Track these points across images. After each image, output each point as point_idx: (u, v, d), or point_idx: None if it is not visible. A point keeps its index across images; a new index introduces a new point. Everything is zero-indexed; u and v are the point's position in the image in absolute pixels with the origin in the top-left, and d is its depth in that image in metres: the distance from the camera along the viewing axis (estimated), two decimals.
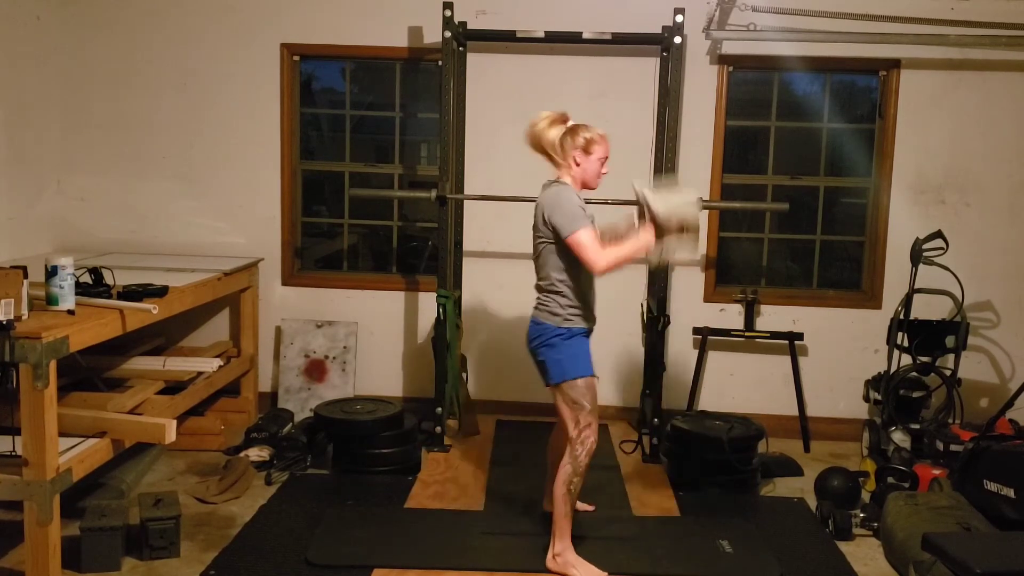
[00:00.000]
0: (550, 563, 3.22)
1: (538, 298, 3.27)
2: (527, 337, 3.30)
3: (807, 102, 5.08)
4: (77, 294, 3.18)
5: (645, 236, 3.08)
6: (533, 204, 3.29)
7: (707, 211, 4.85)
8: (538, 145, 3.25)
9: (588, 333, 3.26)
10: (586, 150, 3.18)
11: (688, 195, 3.14)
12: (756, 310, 4.96)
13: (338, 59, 5.12)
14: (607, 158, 3.24)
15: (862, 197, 5.08)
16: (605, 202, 4.65)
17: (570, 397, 3.16)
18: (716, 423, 4.17)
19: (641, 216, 3.12)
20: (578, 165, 3.20)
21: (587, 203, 3.18)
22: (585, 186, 3.25)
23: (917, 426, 4.28)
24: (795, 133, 5.10)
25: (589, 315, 3.25)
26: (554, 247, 3.17)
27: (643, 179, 3.07)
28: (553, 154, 3.23)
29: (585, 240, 3.05)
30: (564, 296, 3.18)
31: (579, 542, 3.34)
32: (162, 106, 5.02)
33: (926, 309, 4.64)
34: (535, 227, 3.24)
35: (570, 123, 3.24)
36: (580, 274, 3.18)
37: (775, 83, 5.01)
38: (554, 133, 3.21)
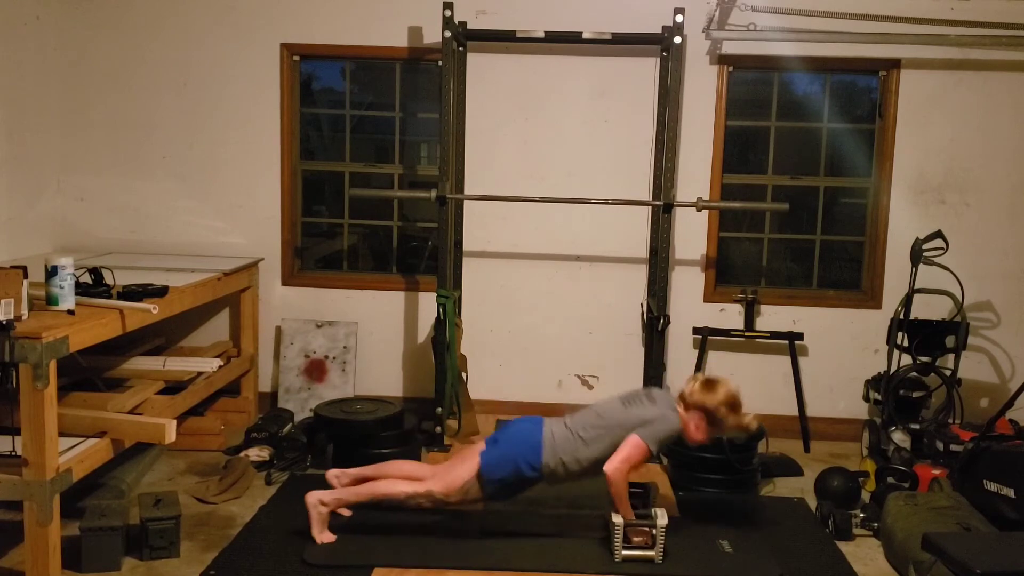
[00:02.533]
0: (311, 499, 3.33)
1: (563, 431, 3.34)
2: (520, 426, 3.41)
3: (807, 102, 5.08)
4: (77, 294, 3.18)
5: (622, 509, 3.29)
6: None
7: (707, 211, 4.85)
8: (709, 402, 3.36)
9: (531, 486, 3.39)
10: (710, 422, 3.33)
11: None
12: (756, 310, 4.96)
13: (338, 59, 5.12)
14: (712, 436, 3.40)
15: (862, 197, 5.08)
16: (605, 202, 4.66)
17: (468, 486, 3.30)
18: None
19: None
20: (696, 427, 3.33)
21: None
22: (686, 435, 3.36)
23: (917, 426, 4.28)
24: (795, 133, 5.10)
25: (557, 483, 3.38)
26: (610, 437, 3.28)
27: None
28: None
29: (637, 453, 3.24)
30: (577, 459, 3.29)
31: (580, 541, 3.36)
32: (162, 106, 5.02)
33: (926, 309, 4.64)
34: (610, 411, 3.36)
35: (737, 403, 3.37)
36: (593, 467, 3.31)
37: (775, 83, 5.01)
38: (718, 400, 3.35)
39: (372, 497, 3.34)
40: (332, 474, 3.54)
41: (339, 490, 3.42)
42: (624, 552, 3.24)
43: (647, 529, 3.24)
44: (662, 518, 3.23)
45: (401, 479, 3.39)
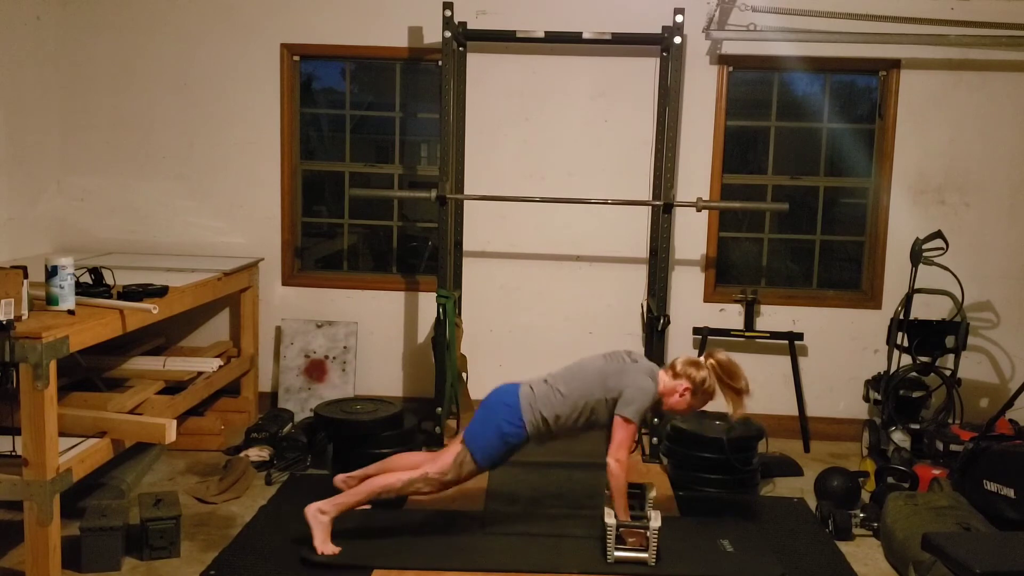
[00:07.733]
0: (310, 510, 3.26)
1: (543, 386, 3.35)
2: (498, 391, 3.40)
3: (807, 102, 5.08)
4: (77, 294, 3.18)
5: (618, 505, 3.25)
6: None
7: (707, 211, 4.85)
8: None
9: (520, 446, 3.34)
10: (695, 392, 3.28)
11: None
12: (756, 310, 4.96)
13: (338, 59, 5.12)
14: (694, 408, 3.37)
15: (862, 197, 5.08)
16: (605, 202, 4.66)
17: (459, 459, 3.27)
18: (716, 423, 4.17)
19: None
20: (680, 396, 3.29)
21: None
22: (665, 404, 3.34)
23: (917, 426, 4.28)
24: (795, 133, 5.10)
25: (545, 440, 3.34)
26: (599, 403, 3.27)
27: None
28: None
29: (627, 433, 3.22)
30: (556, 414, 3.27)
31: (580, 541, 3.36)
32: (162, 106, 5.02)
33: (926, 309, 4.64)
34: (594, 371, 3.33)
35: (720, 370, 3.30)
36: (576, 424, 3.30)
37: (775, 83, 5.01)
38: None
39: (371, 494, 3.29)
40: (340, 479, 3.49)
41: (338, 496, 3.33)
42: (617, 553, 3.23)
43: (641, 531, 3.24)
44: (656, 520, 3.22)
45: (402, 470, 3.34)
